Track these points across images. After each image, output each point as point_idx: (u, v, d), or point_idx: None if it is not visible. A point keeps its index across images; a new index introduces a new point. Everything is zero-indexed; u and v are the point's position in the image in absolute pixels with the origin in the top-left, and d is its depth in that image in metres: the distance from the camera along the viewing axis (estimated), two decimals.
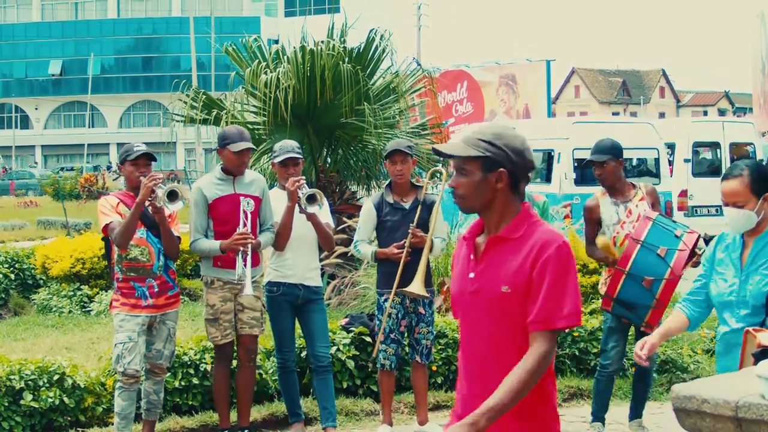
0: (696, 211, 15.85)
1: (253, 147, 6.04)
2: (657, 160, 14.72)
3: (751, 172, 4.01)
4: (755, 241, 4.09)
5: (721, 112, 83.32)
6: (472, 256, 3.06)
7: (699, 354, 7.86)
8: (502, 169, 2.97)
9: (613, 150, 5.89)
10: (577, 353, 7.40)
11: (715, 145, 16.91)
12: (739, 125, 18.04)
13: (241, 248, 5.59)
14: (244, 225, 5.68)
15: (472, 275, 3.03)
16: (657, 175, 14.39)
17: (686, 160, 16.13)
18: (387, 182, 6.27)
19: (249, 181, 5.86)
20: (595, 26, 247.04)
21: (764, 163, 25.91)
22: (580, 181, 13.59)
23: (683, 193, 15.50)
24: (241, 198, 5.76)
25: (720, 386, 4.15)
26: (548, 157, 14.63)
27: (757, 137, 17.48)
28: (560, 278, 2.91)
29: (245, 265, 5.58)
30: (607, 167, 5.87)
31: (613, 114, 70.30)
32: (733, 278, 4.08)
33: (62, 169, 48.34)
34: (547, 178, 14.11)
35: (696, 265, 5.70)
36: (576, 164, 13.84)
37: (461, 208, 3.08)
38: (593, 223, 6.00)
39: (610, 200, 5.95)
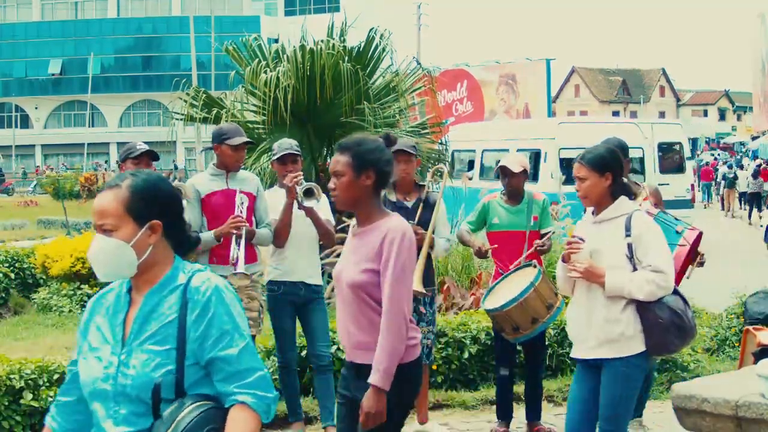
0: None
1: (251, 141, 6.07)
2: (642, 159, 14.96)
3: (136, 184, 2.67)
4: (146, 298, 2.68)
5: (721, 111, 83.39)
6: None
7: (699, 353, 7.86)
8: None
9: (621, 150, 5.90)
10: None
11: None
12: (667, 126, 18.94)
13: (235, 231, 5.59)
14: (240, 212, 5.70)
15: None
16: (642, 174, 14.57)
17: None
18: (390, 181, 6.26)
19: (242, 178, 5.88)
20: (595, 25, 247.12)
21: (763, 164, 25.95)
22: (566, 180, 13.91)
23: None
24: (236, 193, 5.78)
25: (720, 385, 4.15)
26: (535, 157, 14.79)
27: (684, 138, 18.40)
28: None
29: (239, 248, 5.59)
30: None
31: (613, 114, 70.34)
32: (111, 356, 2.65)
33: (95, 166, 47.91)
34: (534, 178, 14.24)
35: (701, 265, 5.70)
36: (563, 164, 14.14)
37: None
38: None
39: None
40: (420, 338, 3.84)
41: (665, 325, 4.28)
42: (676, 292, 4.43)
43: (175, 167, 52.02)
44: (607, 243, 4.41)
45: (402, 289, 3.64)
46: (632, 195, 4.54)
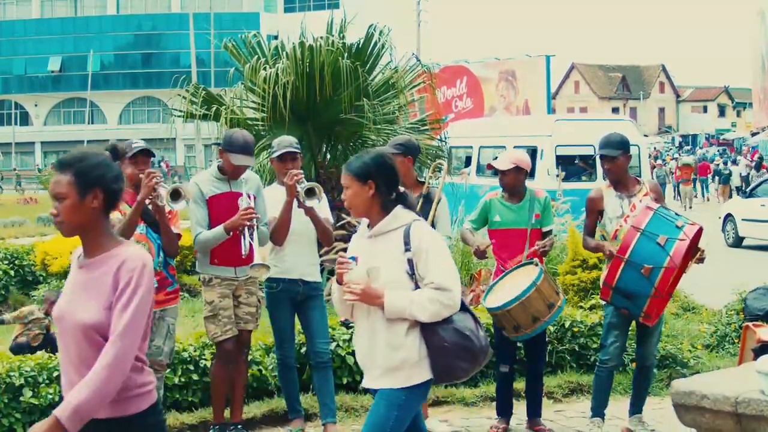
0: None
1: (251, 166, 5.97)
2: (638, 157, 15.02)
3: None
4: None
5: (721, 108, 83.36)
6: None
7: (699, 349, 7.86)
8: None
9: (624, 145, 5.94)
10: (577, 348, 7.40)
11: None
12: (618, 123, 19.10)
13: (247, 224, 5.57)
14: (248, 204, 5.68)
15: None
16: (638, 172, 14.60)
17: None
18: None
19: (244, 179, 5.85)
20: (594, 21, 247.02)
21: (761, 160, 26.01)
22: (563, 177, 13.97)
23: None
24: (240, 195, 5.77)
25: (719, 382, 4.15)
26: (532, 154, 14.91)
27: (639, 137, 18.50)
28: None
29: (252, 240, 5.57)
30: (617, 162, 5.90)
31: (613, 110, 70.33)
32: None
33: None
34: (531, 175, 14.32)
35: (701, 261, 5.69)
36: (559, 161, 14.25)
37: None
38: (594, 214, 6.01)
39: (615, 193, 5.95)
40: (155, 384, 3.28)
41: (450, 349, 3.92)
42: (465, 309, 4.10)
43: (158, 164, 51.95)
44: (385, 259, 3.96)
45: (138, 327, 3.09)
46: (412, 207, 4.12)
